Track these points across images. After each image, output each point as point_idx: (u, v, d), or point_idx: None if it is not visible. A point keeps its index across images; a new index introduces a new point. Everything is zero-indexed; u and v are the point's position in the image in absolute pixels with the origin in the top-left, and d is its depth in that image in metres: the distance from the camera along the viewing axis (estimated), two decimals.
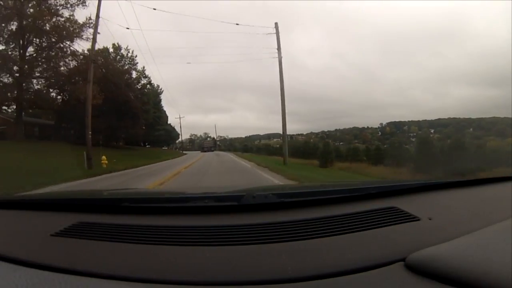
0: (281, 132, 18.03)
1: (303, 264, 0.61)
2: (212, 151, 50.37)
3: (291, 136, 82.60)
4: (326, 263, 0.61)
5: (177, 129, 55.32)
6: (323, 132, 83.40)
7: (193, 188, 4.11)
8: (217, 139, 76.63)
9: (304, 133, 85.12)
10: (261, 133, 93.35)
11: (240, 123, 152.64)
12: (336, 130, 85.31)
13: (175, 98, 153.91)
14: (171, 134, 51.97)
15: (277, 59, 16.41)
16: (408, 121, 77.67)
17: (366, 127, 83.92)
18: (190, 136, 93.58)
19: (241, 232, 0.76)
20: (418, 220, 0.82)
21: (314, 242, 0.71)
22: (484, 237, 0.67)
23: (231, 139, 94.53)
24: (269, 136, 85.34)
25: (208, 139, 73.95)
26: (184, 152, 49.66)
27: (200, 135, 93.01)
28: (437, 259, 0.56)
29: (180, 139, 57.70)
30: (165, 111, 52.68)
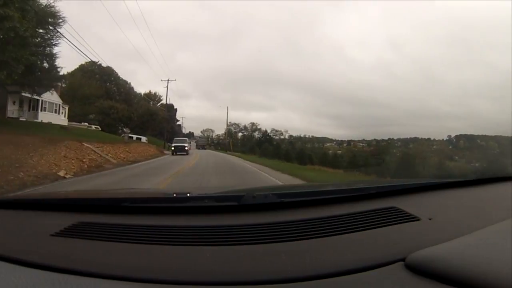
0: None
1: (303, 264, 0.61)
2: (205, 149, 45.51)
3: (348, 141, 72.02)
4: (326, 263, 0.61)
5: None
6: (375, 140, 68.34)
7: (193, 188, 4.11)
8: (273, 135, 59.28)
9: (356, 139, 72.39)
10: (308, 136, 79.52)
11: (284, 124, 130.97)
12: (389, 139, 68.36)
13: (214, 90, 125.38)
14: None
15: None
16: (481, 135, 62.55)
17: (430, 138, 67.37)
18: (230, 125, 68.14)
19: (241, 232, 0.76)
20: (418, 220, 0.82)
21: (314, 242, 0.71)
22: (484, 237, 0.67)
23: (291, 137, 72.20)
24: (319, 140, 74.49)
25: (201, 137, 67.80)
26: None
27: (245, 125, 73.31)
28: (437, 259, 0.56)
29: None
30: None
